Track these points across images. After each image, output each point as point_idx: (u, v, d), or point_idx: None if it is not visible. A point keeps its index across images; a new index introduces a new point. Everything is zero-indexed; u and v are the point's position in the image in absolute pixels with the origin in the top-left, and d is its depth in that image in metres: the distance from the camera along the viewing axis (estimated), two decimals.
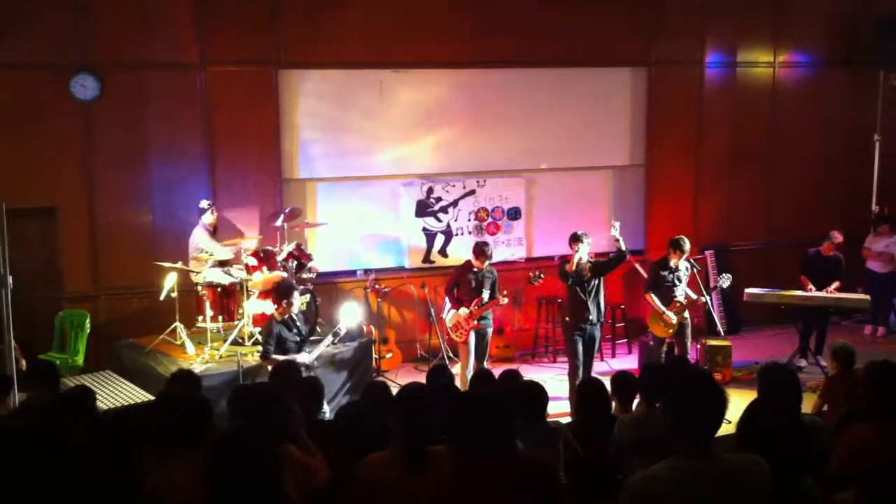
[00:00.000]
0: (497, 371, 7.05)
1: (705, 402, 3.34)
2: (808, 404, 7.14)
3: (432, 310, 10.60)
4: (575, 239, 9.09)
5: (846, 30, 12.53)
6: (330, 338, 8.35)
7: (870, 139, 12.65)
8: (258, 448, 3.23)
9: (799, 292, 10.66)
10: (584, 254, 9.02)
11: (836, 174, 12.87)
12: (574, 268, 8.97)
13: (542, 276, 9.52)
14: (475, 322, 9.21)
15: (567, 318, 9.36)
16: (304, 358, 7.97)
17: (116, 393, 8.34)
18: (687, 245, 9.41)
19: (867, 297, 11.04)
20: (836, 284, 10.60)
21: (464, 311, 9.22)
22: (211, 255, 9.17)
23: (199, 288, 9.19)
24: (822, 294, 10.56)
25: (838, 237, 10.78)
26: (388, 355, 10.72)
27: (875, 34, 12.20)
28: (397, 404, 4.38)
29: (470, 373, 8.87)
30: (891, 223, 11.94)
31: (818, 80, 12.67)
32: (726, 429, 4.42)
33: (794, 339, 10.86)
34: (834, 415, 6.09)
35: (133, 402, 7.97)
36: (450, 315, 9.42)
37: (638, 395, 5.93)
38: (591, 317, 9.05)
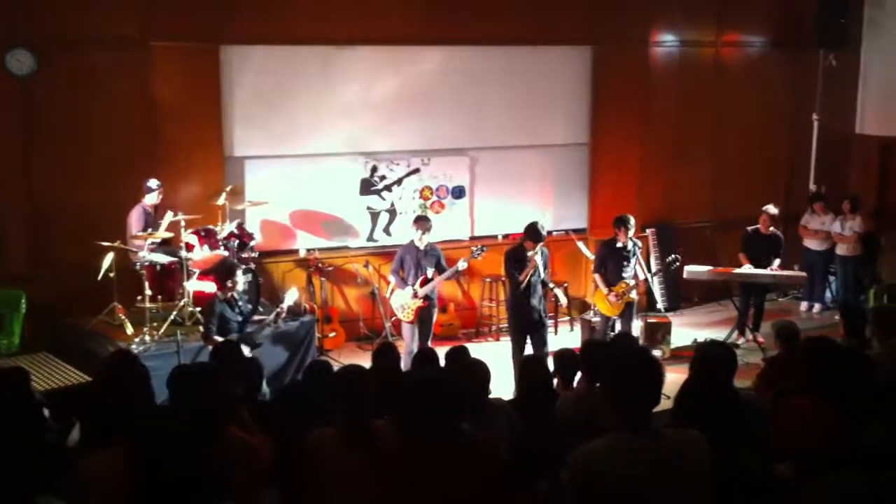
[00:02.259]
0: (441, 350, 7.06)
1: (642, 378, 3.38)
2: (747, 380, 7.29)
3: (376, 289, 10.57)
4: (536, 237, 8.95)
5: (788, 10, 12.70)
6: (272, 317, 8.27)
7: (808, 118, 12.87)
8: (192, 433, 3.18)
9: (737, 269, 10.83)
10: (539, 258, 8.96)
11: (777, 153, 13.09)
12: (527, 277, 8.93)
13: (484, 249, 9.52)
14: (420, 301, 9.21)
15: (510, 312, 9.37)
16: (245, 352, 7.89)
17: (53, 374, 8.17)
18: (632, 221, 9.49)
19: (804, 274, 11.27)
20: (776, 262, 10.78)
21: (408, 290, 9.21)
22: (135, 235, 9.01)
23: (138, 267, 9.03)
24: (760, 271, 10.74)
25: (772, 209, 10.94)
26: (332, 334, 10.68)
27: (816, 14, 12.38)
28: (337, 384, 4.37)
29: (414, 352, 8.86)
30: (827, 201, 12.18)
31: (760, 61, 12.84)
32: (665, 404, 4.49)
33: (732, 315, 11.06)
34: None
35: (70, 384, 7.84)
36: (394, 294, 9.41)
37: (580, 373, 5.98)
38: (535, 315, 9.07)
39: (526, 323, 9.07)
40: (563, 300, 9.71)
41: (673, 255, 10.07)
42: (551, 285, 9.22)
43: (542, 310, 9.11)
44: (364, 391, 4.25)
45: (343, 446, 4.02)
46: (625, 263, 9.51)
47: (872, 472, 3.35)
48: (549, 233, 9.93)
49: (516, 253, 9.07)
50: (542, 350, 8.84)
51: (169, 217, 9.08)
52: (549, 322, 9.49)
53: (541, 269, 8.98)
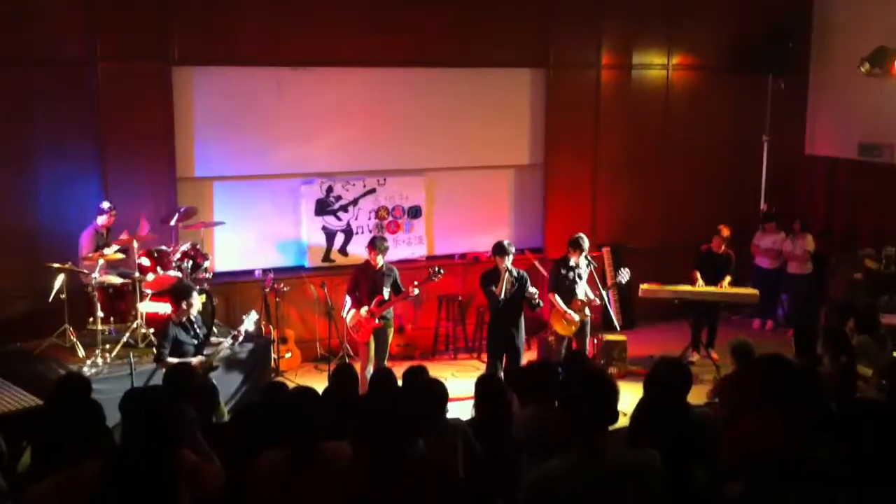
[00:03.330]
0: (397, 370, 7.04)
1: (595, 398, 3.40)
2: (702, 398, 7.37)
3: (332, 309, 10.51)
4: (501, 252, 9.02)
5: (738, 34, 12.90)
6: (229, 341, 8.19)
7: (759, 140, 13.08)
8: (157, 460, 3.15)
9: (691, 287, 10.94)
10: (511, 268, 9.01)
11: (727, 174, 13.26)
12: (503, 291, 8.97)
13: (441, 271, 9.53)
14: (376, 321, 9.18)
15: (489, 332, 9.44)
16: (200, 360, 7.79)
17: (3, 398, 7.99)
18: (586, 243, 9.56)
19: (756, 291, 11.43)
20: (727, 280, 10.93)
21: (364, 310, 9.18)
22: (87, 257, 8.89)
23: (90, 289, 8.90)
24: (714, 289, 10.87)
25: (725, 231, 11.11)
26: (288, 355, 10.60)
27: (763, 40, 12.62)
28: (286, 406, 4.36)
29: (370, 372, 8.82)
30: (777, 221, 12.38)
31: (711, 84, 13.01)
32: (622, 422, 4.52)
33: (687, 333, 11.16)
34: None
35: (20, 408, 7.69)
36: (350, 314, 9.37)
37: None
38: (509, 335, 9.11)
39: (503, 345, 9.14)
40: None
41: (622, 269, 10.15)
42: (536, 301, 9.21)
43: (518, 333, 9.17)
44: (313, 413, 4.25)
45: (292, 469, 4.01)
46: (577, 281, 9.58)
47: (823, 487, 3.40)
48: (522, 251, 9.93)
49: (490, 273, 9.15)
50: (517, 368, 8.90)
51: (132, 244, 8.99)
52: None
53: (530, 287, 9.07)
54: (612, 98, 12.43)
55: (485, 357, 9.75)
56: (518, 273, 9.13)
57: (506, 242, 9.10)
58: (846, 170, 13.01)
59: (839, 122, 13.04)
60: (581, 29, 12.06)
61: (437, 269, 9.54)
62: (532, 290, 9.13)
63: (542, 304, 9.41)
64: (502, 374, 8.96)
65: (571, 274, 9.57)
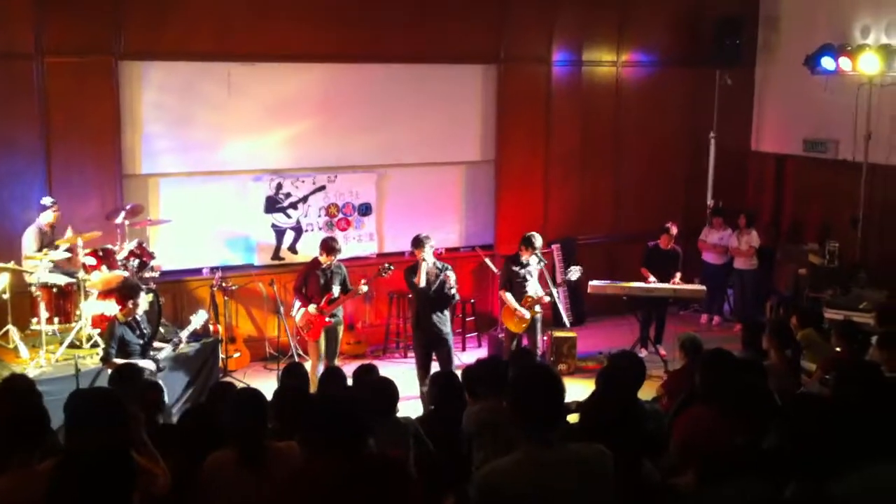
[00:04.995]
0: (348, 368, 7.02)
1: (543, 394, 3.42)
2: (651, 392, 7.43)
3: (281, 307, 10.44)
4: (418, 244, 9.04)
5: (686, 29, 13.04)
6: (173, 344, 8.11)
7: (706, 136, 13.24)
8: (106, 461, 3.11)
9: (639, 284, 11.05)
10: (429, 258, 9.01)
11: (676, 170, 13.40)
12: (422, 279, 8.95)
13: (391, 267, 9.53)
14: (326, 319, 9.14)
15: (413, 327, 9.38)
16: (147, 364, 7.70)
17: None
18: (538, 241, 9.62)
19: (703, 287, 11.57)
20: (677, 276, 11.04)
21: (313, 308, 9.13)
22: (28, 256, 8.73)
23: (33, 289, 8.74)
24: (662, 285, 10.98)
25: (674, 229, 11.24)
26: (236, 355, 10.50)
27: (713, 34, 12.77)
28: (231, 406, 4.35)
29: (321, 371, 8.77)
30: (724, 217, 12.54)
31: (659, 79, 13.13)
32: (572, 418, 4.55)
33: (636, 328, 11.27)
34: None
35: None
36: (300, 313, 9.32)
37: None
38: (436, 330, 9.06)
39: (429, 338, 9.06)
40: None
41: (573, 267, 10.22)
42: (452, 293, 9.13)
43: (443, 324, 9.11)
44: (257, 413, 4.23)
45: (238, 469, 4.00)
46: (528, 278, 9.62)
47: (769, 477, 3.45)
48: (457, 248, 9.92)
49: (413, 267, 9.13)
50: (449, 366, 8.84)
51: (71, 235, 8.83)
52: (454, 338, 9.50)
53: (452, 282, 8.99)
54: (563, 93, 12.49)
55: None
56: (442, 265, 9.12)
57: (423, 235, 9.10)
58: (793, 165, 13.23)
59: (785, 118, 13.25)
60: (532, 24, 12.10)
61: (387, 265, 9.53)
62: (451, 280, 9.03)
63: (457, 296, 9.34)
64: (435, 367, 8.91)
65: (522, 271, 9.61)
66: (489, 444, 5.04)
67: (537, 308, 9.67)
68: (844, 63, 11.22)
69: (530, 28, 12.10)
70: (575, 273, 10.08)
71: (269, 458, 4.06)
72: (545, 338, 10.49)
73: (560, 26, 12.36)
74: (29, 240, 8.95)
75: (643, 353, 10.97)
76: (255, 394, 4.47)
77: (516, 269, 9.62)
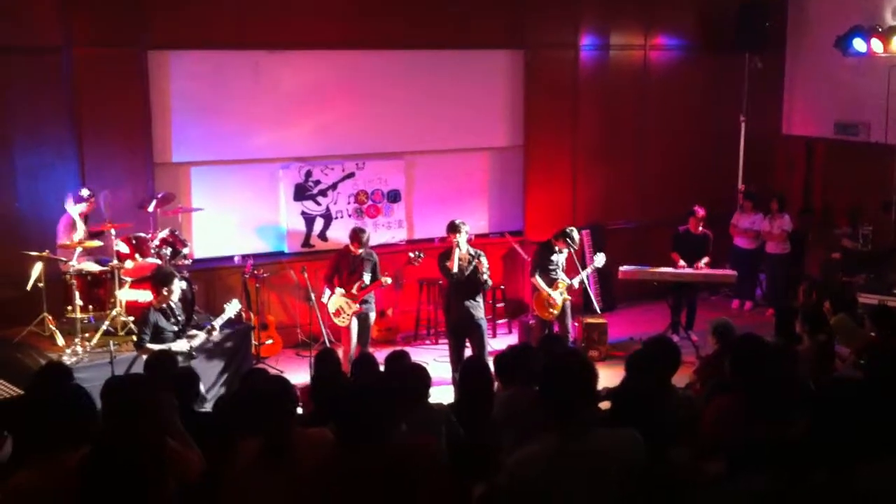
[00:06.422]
0: (379, 354, 7.06)
1: (574, 380, 3.42)
2: (683, 377, 7.41)
3: (312, 294, 10.50)
4: (453, 229, 8.99)
5: (714, 13, 12.93)
6: (206, 331, 8.18)
7: (736, 120, 13.13)
8: (141, 448, 3.15)
9: (670, 269, 11.00)
10: (463, 245, 8.99)
11: (705, 154, 13.31)
12: (455, 265, 8.95)
13: (422, 255, 9.56)
14: (357, 306, 9.19)
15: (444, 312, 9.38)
16: (180, 346, 7.78)
17: None
18: (576, 236, 9.65)
19: (734, 272, 11.50)
20: (705, 260, 10.99)
21: (343, 294, 9.17)
22: (66, 244, 8.82)
23: (68, 277, 8.85)
24: (692, 270, 10.93)
25: (700, 212, 11.16)
26: (269, 342, 10.57)
27: (740, 17, 12.65)
28: (257, 396, 4.33)
29: (352, 357, 8.84)
30: (755, 201, 12.44)
31: (688, 63, 13.04)
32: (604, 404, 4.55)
33: (667, 314, 11.23)
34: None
35: (1, 398, 7.65)
36: (331, 300, 9.37)
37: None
38: (469, 310, 9.03)
39: (461, 324, 9.06)
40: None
41: (598, 254, 10.23)
42: (485, 278, 9.03)
43: (475, 310, 9.07)
44: (283, 403, 4.20)
45: (262, 458, 4.01)
46: (558, 266, 9.66)
47: (798, 466, 3.44)
48: (486, 234, 9.91)
49: (447, 252, 9.07)
50: (482, 352, 8.84)
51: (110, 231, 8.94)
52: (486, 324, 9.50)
53: (485, 268, 8.98)
54: (590, 78, 12.43)
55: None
56: (475, 252, 9.10)
57: (458, 220, 9.06)
58: (823, 148, 13.09)
59: (815, 101, 13.10)
60: (558, 10, 12.05)
61: (417, 253, 9.56)
62: (484, 266, 8.97)
63: (490, 282, 9.31)
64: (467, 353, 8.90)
65: (555, 258, 9.65)
66: (519, 431, 5.05)
67: (567, 294, 9.69)
68: (876, 45, 11.08)
69: (557, 13, 12.04)
70: (600, 260, 10.09)
71: (296, 446, 4.05)
72: (576, 324, 10.48)
73: (587, 10, 12.30)
74: (63, 229, 9.04)
75: (674, 339, 10.95)
76: (283, 383, 4.47)
77: (550, 256, 9.67)
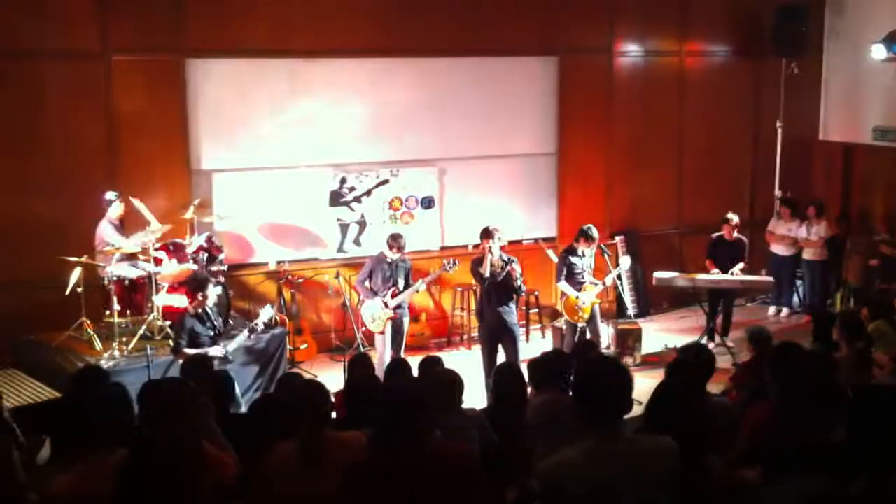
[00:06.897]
0: (413, 360, 7.07)
1: (609, 386, 3.40)
2: (719, 384, 7.36)
3: (347, 300, 10.55)
4: (487, 234, 8.96)
5: (749, 18, 12.84)
6: (246, 333, 8.25)
7: (772, 126, 13.02)
8: (178, 451, 3.18)
9: (705, 275, 10.92)
10: (496, 251, 8.97)
11: (741, 160, 13.22)
12: (487, 270, 8.92)
13: (456, 263, 9.57)
14: (391, 312, 9.21)
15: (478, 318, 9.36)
16: (216, 351, 7.86)
17: (21, 391, 8.09)
18: (595, 233, 9.60)
19: (771, 279, 11.39)
20: (740, 266, 10.90)
21: (379, 301, 9.21)
22: (118, 248, 8.93)
23: (106, 282, 8.96)
24: (728, 277, 10.84)
25: (735, 218, 11.06)
26: (303, 346, 10.64)
27: (776, 23, 12.55)
28: (292, 399, 4.38)
29: (387, 362, 8.86)
30: (792, 207, 12.33)
31: (723, 69, 12.97)
32: (638, 410, 4.52)
33: (702, 321, 11.15)
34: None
35: (39, 401, 7.76)
36: (365, 306, 9.41)
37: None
38: (502, 315, 8.99)
39: (493, 329, 9.05)
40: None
41: (623, 257, 10.22)
42: (519, 284, 9.01)
43: (508, 315, 9.04)
44: (318, 407, 4.25)
45: (296, 460, 4.04)
46: (584, 270, 9.67)
47: (836, 473, 3.40)
48: (519, 241, 9.90)
49: (480, 259, 9.04)
50: (515, 358, 8.82)
51: (156, 225, 9.03)
52: (521, 330, 9.49)
53: (518, 274, 8.95)
54: (624, 85, 12.40)
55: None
56: (508, 258, 9.08)
57: (492, 226, 9.02)
58: (861, 154, 12.94)
59: (853, 107, 12.97)
60: (592, 15, 12.03)
61: (452, 260, 9.57)
62: (517, 272, 8.91)
63: (524, 288, 9.28)
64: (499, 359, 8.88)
65: (580, 262, 9.62)
66: (552, 437, 5.04)
67: (596, 298, 9.67)
68: None
69: (591, 18, 12.03)
70: (626, 262, 10.10)
71: (330, 449, 4.08)
72: (611, 329, 10.44)
73: (620, 16, 12.27)
74: (105, 233, 9.12)
75: (710, 346, 10.86)
76: (318, 387, 4.51)
77: (574, 259, 9.65)
